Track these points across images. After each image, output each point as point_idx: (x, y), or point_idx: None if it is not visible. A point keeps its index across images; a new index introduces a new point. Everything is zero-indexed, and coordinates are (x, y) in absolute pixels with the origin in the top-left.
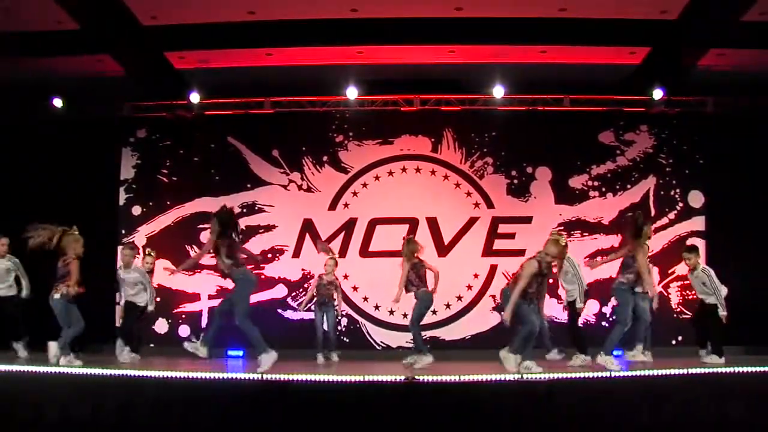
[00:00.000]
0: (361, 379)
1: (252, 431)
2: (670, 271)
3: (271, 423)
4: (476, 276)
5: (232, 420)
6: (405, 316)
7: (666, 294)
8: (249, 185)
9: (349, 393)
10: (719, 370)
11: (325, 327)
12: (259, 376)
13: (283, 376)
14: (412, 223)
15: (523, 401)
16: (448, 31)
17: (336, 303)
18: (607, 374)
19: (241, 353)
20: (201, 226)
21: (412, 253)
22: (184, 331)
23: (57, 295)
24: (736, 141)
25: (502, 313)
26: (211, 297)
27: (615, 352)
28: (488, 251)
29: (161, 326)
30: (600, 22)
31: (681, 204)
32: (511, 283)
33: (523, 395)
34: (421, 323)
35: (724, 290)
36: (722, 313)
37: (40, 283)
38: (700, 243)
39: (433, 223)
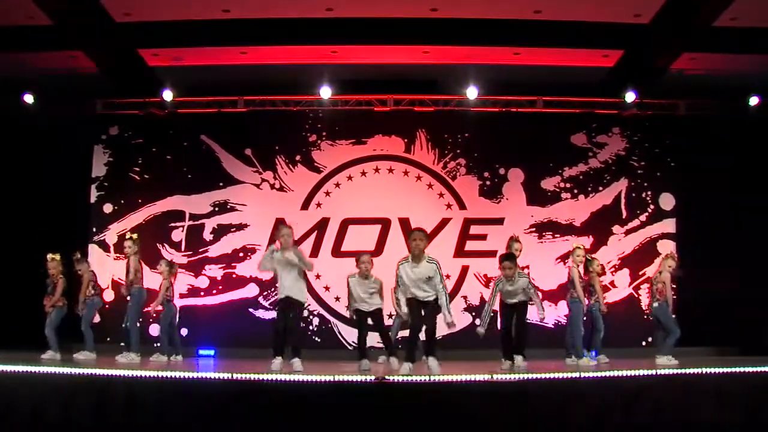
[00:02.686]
0: (332, 379)
1: (224, 431)
2: (640, 273)
3: (242, 422)
4: (448, 277)
5: (203, 420)
6: None
7: (636, 295)
8: (221, 184)
9: (320, 393)
10: (688, 371)
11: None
12: (230, 375)
13: (254, 376)
14: (385, 224)
15: (494, 401)
16: (423, 31)
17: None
18: (577, 375)
19: (212, 352)
20: (173, 224)
21: None
22: (154, 330)
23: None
24: (708, 144)
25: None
26: (182, 296)
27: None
28: (460, 252)
29: None
30: (574, 25)
31: (652, 206)
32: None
33: (494, 395)
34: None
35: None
36: (542, 314)
37: None
38: (670, 245)
39: (405, 223)
